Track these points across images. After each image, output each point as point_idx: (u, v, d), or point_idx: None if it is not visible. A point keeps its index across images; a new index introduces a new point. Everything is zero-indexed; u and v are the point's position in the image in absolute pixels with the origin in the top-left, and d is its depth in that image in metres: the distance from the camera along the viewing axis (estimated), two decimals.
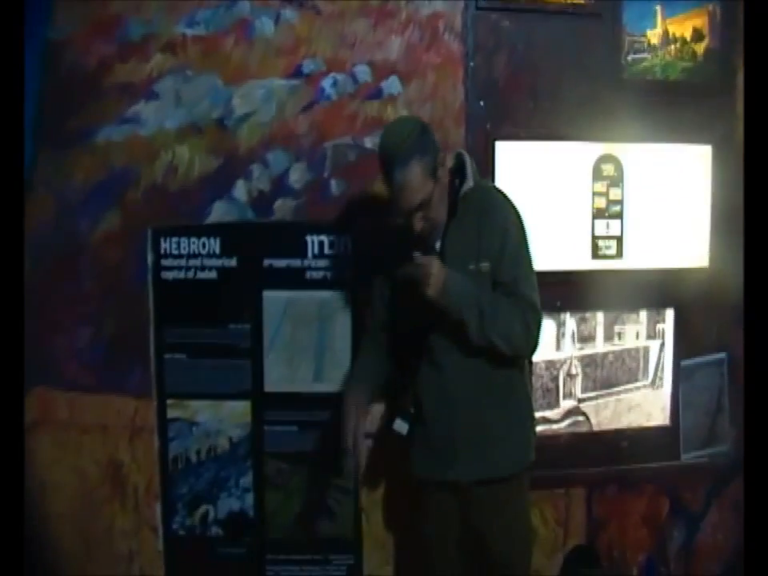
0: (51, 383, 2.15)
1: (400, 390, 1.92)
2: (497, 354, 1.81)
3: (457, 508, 1.91)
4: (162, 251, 2.14)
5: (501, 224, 1.82)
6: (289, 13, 2.14)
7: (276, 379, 2.15)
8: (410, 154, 1.69)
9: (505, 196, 1.87)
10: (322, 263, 2.14)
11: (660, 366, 2.45)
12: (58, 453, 2.17)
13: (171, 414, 2.16)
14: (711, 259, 2.42)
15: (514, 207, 1.86)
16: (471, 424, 1.84)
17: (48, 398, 2.15)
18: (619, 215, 2.37)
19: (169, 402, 2.16)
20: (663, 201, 2.39)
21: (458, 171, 1.85)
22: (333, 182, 2.16)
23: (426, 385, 1.87)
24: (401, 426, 1.87)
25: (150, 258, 2.14)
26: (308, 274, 2.14)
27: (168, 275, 2.14)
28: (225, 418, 2.16)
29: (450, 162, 1.83)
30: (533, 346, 1.85)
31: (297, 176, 2.15)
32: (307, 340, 2.15)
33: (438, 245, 1.81)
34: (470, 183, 1.84)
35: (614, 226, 2.37)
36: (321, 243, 2.14)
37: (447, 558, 1.95)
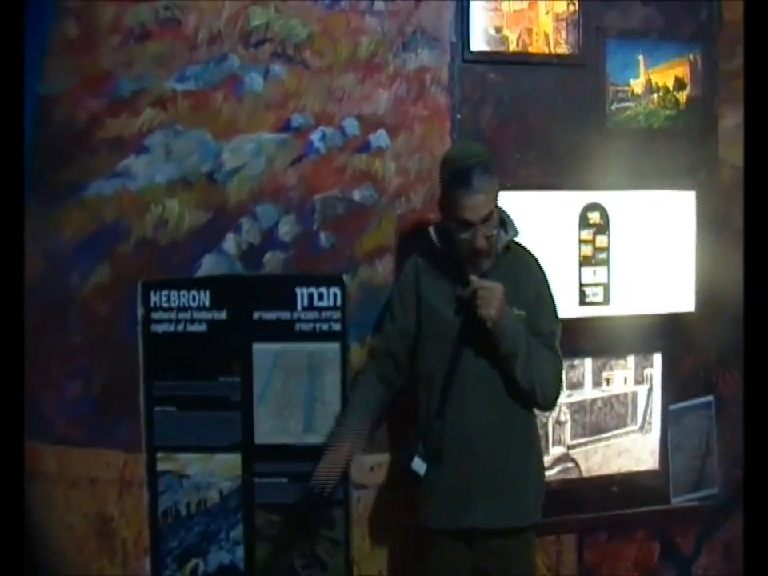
0: (39, 437, 2.14)
1: (419, 428, 1.92)
2: (523, 400, 1.86)
3: (470, 559, 1.90)
4: (152, 304, 2.14)
5: (539, 277, 1.94)
6: (278, 68, 2.17)
7: (266, 431, 2.15)
8: (487, 167, 1.78)
9: (536, 256, 1.99)
10: (312, 315, 2.15)
11: (648, 410, 2.46)
12: (46, 507, 2.15)
13: (161, 467, 2.15)
14: (697, 303, 2.45)
15: (544, 269, 1.97)
16: (492, 470, 1.86)
17: (36, 451, 2.14)
18: (606, 262, 2.40)
19: (158, 455, 2.15)
20: (649, 247, 2.42)
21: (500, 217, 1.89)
22: (322, 235, 2.18)
23: (450, 426, 1.86)
24: (419, 465, 1.88)
25: (139, 311, 2.15)
26: (298, 326, 2.15)
27: (158, 328, 2.15)
28: (215, 471, 2.15)
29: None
30: (557, 399, 1.95)
31: (286, 229, 2.17)
32: (297, 392, 2.15)
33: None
34: (516, 229, 1.91)
35: (601, 273, 2.39)
36: (310, 295, 2.15)
37: None
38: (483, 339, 1.81)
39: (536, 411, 1.97)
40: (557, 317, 1.95)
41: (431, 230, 1.92)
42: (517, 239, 1.94)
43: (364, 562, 2.23)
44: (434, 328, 1.90)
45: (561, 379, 1.93)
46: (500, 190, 1.86)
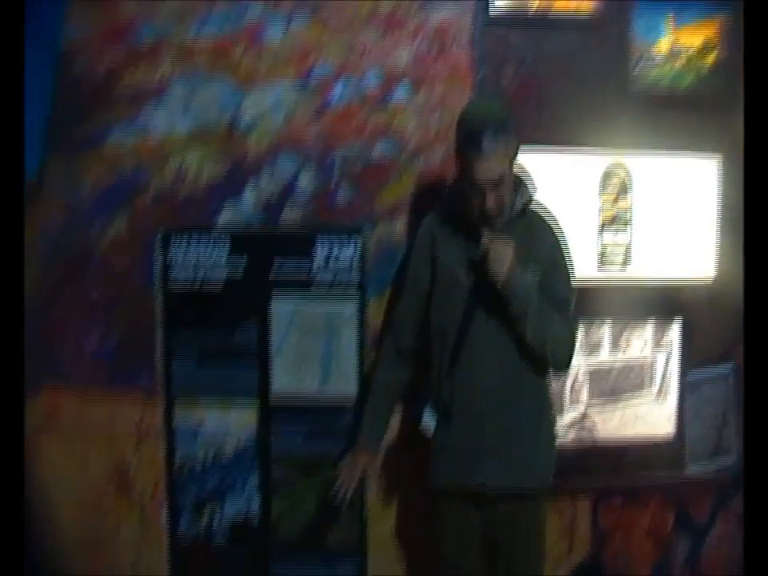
0: (59, 387, 2.15)
1: (430, 387, 1.91)
2: (534, 362, 1.84)
3: (477, 523, 1.90)
4: (171, 255, 2.14)
5: (555, 241, 1.90)
6: (299, 19, 2.15)
7: (283, 385, 2.15)
8: (501, 125, 1.74)
9: (554, 218, 1.95)
10: (330, 270, 2.14)
11: (666, 377, 2.44)
12: (65, 455, 2.17)
13: (178, 417, 2.16)
14: (718, 270, 2.42)
15: (562, 232, 1.93)
16: (501, 431, 1.84)
17: (56, 401, 2.15)
18: (626, 225, 2.37)
19: (175, 407, 2.16)
20: (671, 211, 2.39)
21: (518, 179, 1.88)
22: (341, 189, 2.17)
23: (459, 385, 1.86)
24: (428, 423, 1.88)
25: (158, 263, 2.15)
26: (316, 280, 2.14)
27: (176, 279, 2.14)
28: (231, 424, 2.16)
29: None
30: (570, 362, 1.91)
31: (305, 182, 2.16)
32: (314, 347, 2.14)
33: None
34: (530, 193, 1.88)
35: (621, 236, 2.37)
36: (329, 249, 2.14)
37: (465, 569, 1.94)
38: (495, 300, 1.79)
39: (550, 375, 1.96)
40: (571, 282, 1.92)
41: (447, 189, 1.90)
42: (535, 201, 1.92)
43: (377, 521, 2.23)
44: (447, 287, 1.88)
45: (574, 343, 1.89)
46: (519, 149, 1.83)
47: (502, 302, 1.78)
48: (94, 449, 2.17)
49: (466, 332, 1.83)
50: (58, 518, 2.18)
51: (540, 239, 1.88)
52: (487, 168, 1.73)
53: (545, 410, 1.94)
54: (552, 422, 1.98)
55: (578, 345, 1.93)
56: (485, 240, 1.77)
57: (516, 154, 1.81)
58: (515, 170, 1.86)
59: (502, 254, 1.75)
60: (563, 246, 1.92)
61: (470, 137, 1.75)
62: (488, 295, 1.80)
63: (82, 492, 2.18)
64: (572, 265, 1.94)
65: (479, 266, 1.79)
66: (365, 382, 2.12)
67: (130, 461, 2.17)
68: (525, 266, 1.80)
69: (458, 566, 1.94)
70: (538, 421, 1.90)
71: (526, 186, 1.89)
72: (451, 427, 1.86)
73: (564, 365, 1.92)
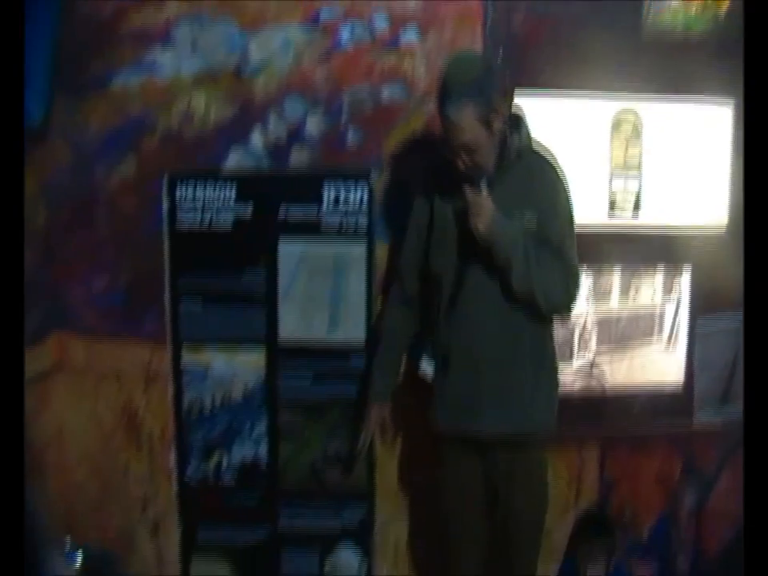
0: (68, 329, 2.16)
1: (429, 333, 1.91)
2: (530, 309, 1.81)
3: (478, 466, 1.90)
4: (178, 198, 2.13)
5: (553, 184, 1.86)
6: None
7: (290, 328, 2.15)
8: (465, 92, 1.68)
9: (556, 160, 1.89)
10: (338, 213, 2.13)
11: (675, 325, 2.43)
12: (74, 399, 2.18)
13: (185, 361, 2.16)
14: (730, 218, 2.39)
15: (563, 174, 1.88)
16: (499, 377, 1.83)
17: (65, 343, 2.16)
18: (637, 171, 2.34)
19: (183, 349, 2.16)
20: (682, 159, 2.36)
21: (513, 123, 1.83)
22: (350, 131, 2.15)
23: (456, 332, 1.85)
24: (428, 368, 1.87)
25: (165, 205, 2.14)
26: (324, 223, 2.13)
27: (183, 222, 2.14)
28: (239, 367, 2.16)
29: (506, 111, 1.80)
30: (567, 309, 1.89)
31: (313, 124, 2.14)
32: (322, 290, 2.14)
33: (484, 188, 1.76)
34: (524, 138, 1.84)
35: (632, 183, 2.34)
36: (337, 191, 2.13)
37: (466, 516, 1.95)
38: (481, 249, 1.78)
39: (551, 321, 1.93)
40: (572, 226, 1.88)
41: (439, 139, 1.87)
42: (535, 142, 1.89)
43: (386, 463, 2.24)
44: (443, 235, 1.87)
45: (571, 288, 1.85)
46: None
47: (486, 252, 1.77)
48: (103, 392, 2.18)
49: (462, 278, 1.82)
50: (69, 459, 2.20)
51: (538, 182, 1.84)
52: (456, 133, 1.70)
53: (545, 356, 1.91)
54: (554, 369, 1.95)
55: (580, 289, 1.87)
56: (466, 191, 1.74)
57: (491, 112, 1.73)
58: (513, 111, 1.83)
59: (481, 210, 1.72)
60: (563, 188, 1.88)
61: (441, 96, 1.72)
62: (475, 245, 1.78)
63: (92, 434, 2.19)
64: (572, 207, 1.89)
65: (463, 218, 1.77)
66: (373, 330, 2.12)
67: (138, 403, 2.18)
68: (518, 211, 1.78)
69: (458, 512, 1.94)
70: (538, 367, 1.87)
71: (523, 129, 1.85)
72: (449, 374, 1.86)
73: (561, 310, 1.89)
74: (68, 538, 0.87)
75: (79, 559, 0.87)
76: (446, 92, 1.70)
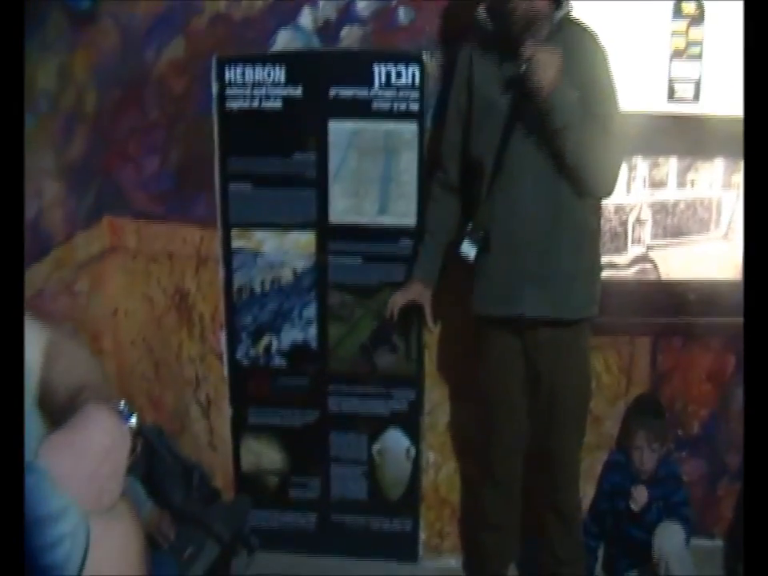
0: (120, 212, 2.18)
1: (471, 212, 1.88)
2: (576, 187, 1.77)
3: (519, 349, 1.89)
4: (227, 80, 2.11)
5: (595, 56, 1.80)
6: None
7: (341, 210, 2.14)
8: None
9: (596, 33, 1.82)
10: (389, 93, 2.09)
11: (734, 218, 2.35)
12: (127, 280, 2.21)
13: (236, 244, 2.17)
14: None
15: (604, 46, 1.81)
16: (540, 258, 1.80)
17: (117, 226, 2.19)
18: (698, 57, 2.24)
19: (233, 231, 2.17)
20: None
21: None
22: (401, 10, 2.09)
23: (498, 211, 1.82)
24: (468, 249, 1.85)
25: (214, 87, 2.12)
26: (374, 104, 2.09)
27: (233, 104, 2.12)
28: (289, 249, 2.16)
29: None
30: (612, 187, 1.84)
31: (364, 3, 2.09)
32: (373, 172, 2.11)
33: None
34: (567, 8, 1.78)
35: (693, 68, 2.25)
36: (388, 72, 2.08)
37: (508, 399, 1.95)
38: (534, 117, 1.73)
39: (595, 203, 1.89)
40: (616, 99, 1.82)
41: (480, 10, 1.81)
42: (575, 17, 1.81)
43: (436, 347, 2.23)
44: (483, 112, 1.82)
45: (616, 168, 1.81)
46: None
47: (543, 117, 1.71)
48: (155, 274, 2.21)
49: (502, 158, 1.78)
50: (124, 339, 2.24)
51: (580, 54, 1.77)
52: None
53: (587, 239, 1.87)
54: (596, 252, 1.92)
55: (620, 170, 1.83)
56: (528, 50, 1.67)
57: None
58: None
59: (549, 62, 1.66)
60: (605, 61, 1.81)
61: None
62: (527, 112, 1.73)
63: (145, 315, 2.23)
64: (615, 82, 1.82)
65: (520, 81, 1.70)
66: (421, 213, 2.10)
67: (189, 285, 2.21)
68: (565, 82, 1.71)
69: (500, 391, 1.94)
70: (579, 250, 1.84)
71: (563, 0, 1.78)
72: (490, 255, 1.83)
73: (605, 188, 1.84)
74: (123, 402, 0.87)
75: (134, 420, 0.87)
76: None
